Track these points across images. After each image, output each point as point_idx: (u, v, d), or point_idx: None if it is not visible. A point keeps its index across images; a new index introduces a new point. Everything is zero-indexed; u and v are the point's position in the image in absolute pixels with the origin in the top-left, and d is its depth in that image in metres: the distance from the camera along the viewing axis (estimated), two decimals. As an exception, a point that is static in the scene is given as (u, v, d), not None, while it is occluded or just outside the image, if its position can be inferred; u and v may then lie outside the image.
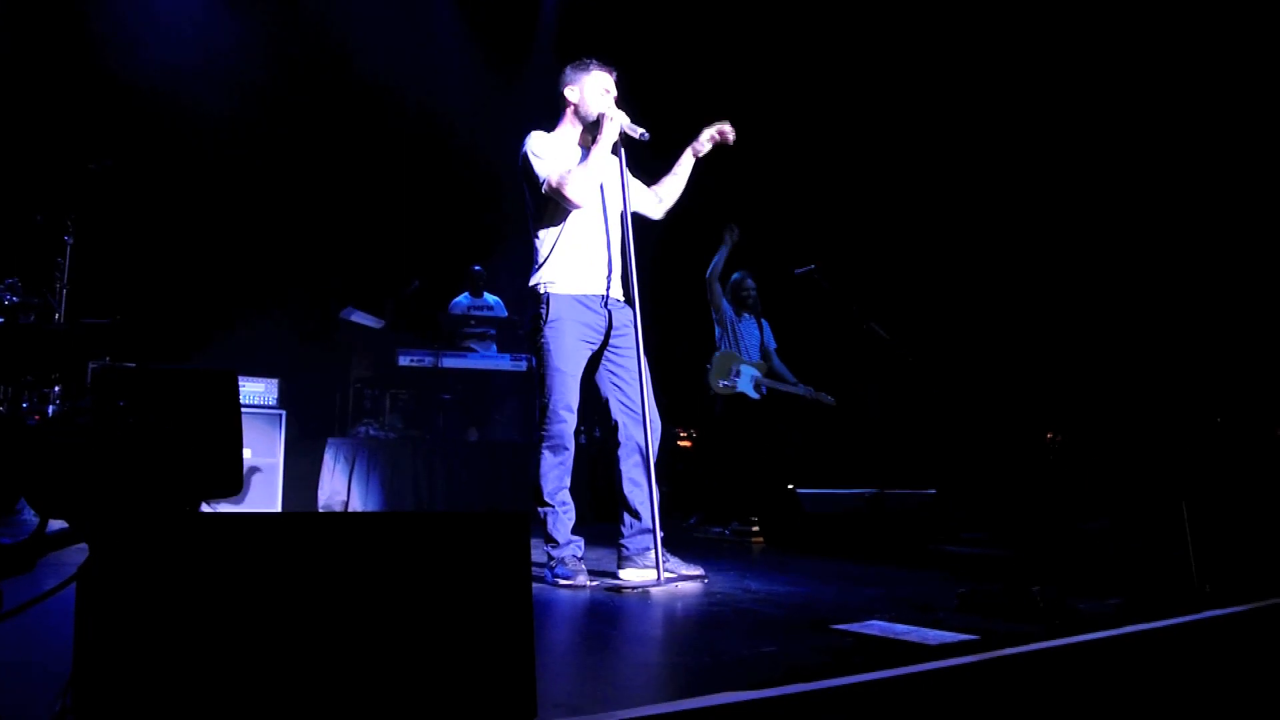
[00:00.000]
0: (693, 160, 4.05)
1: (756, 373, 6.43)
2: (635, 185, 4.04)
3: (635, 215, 4.01)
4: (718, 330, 6.51)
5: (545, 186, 3.69)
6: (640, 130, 3.76)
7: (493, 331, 7.95)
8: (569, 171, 3.66)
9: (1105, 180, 7.51)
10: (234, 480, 1.36)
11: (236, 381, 1.41)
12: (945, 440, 7.63)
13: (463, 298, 8.25)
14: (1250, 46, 6.79)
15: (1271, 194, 6.83)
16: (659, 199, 4.07)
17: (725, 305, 6.48)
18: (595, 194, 3.79)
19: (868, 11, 8.20)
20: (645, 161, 4.15)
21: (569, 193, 3.65)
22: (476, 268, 8.24)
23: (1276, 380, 6.70)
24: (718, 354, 6.41)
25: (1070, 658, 2.40)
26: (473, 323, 7.93)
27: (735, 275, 6.61)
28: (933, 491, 6.17)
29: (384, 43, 8.19)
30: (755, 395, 6.41)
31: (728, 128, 3.99)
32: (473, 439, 7.53)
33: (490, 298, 8.24)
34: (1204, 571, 3.35)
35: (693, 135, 4.02)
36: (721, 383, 6.34)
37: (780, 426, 6.53)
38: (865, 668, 2.07)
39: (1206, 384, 6.95)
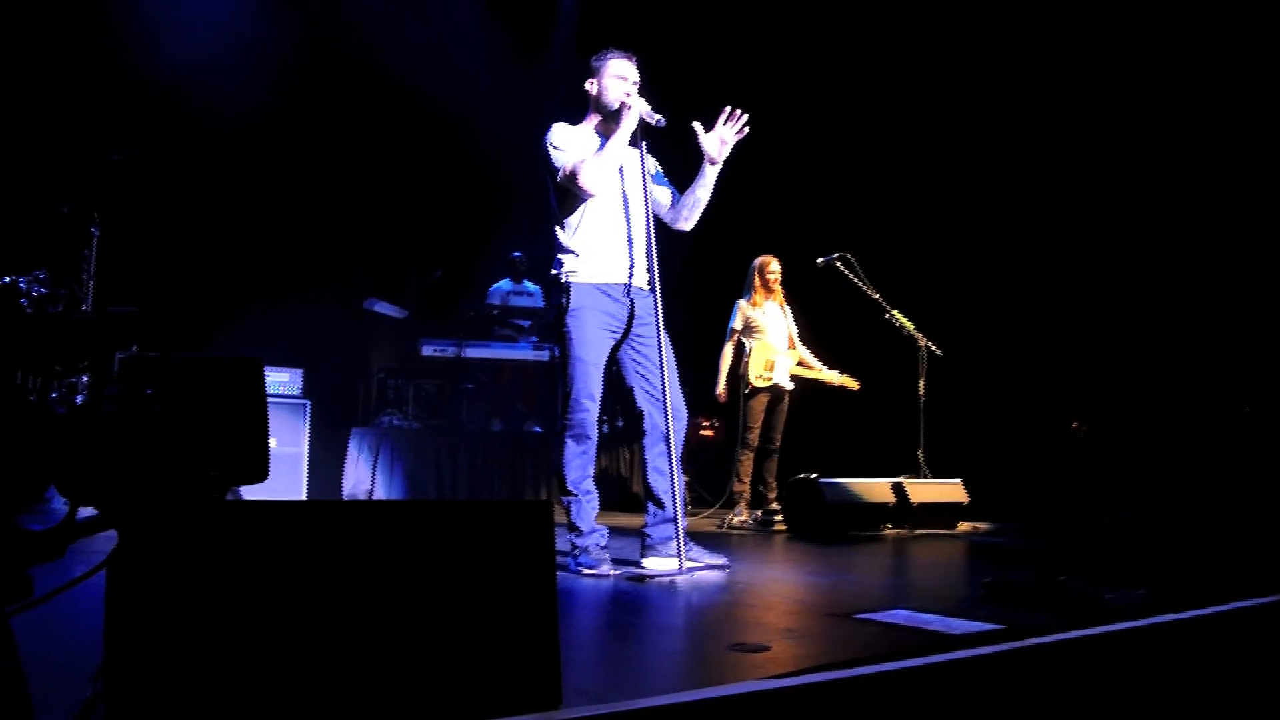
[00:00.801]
0: (714, 171, 3.85)
1: (790, 362, 6.39)
2: (659, 186, 4.00)
3: (657, 220, 3.96)
4: (740, 328, 6.44)
5: (560, 175, 3.70)
6: (658, 117, 3.73)
7: (526, 324, 7.97)
8: (583, 161, 3.66)
9: (1136, 169, 7.43)
10: (260, 467, 1.37)
11: (262, 369, 1.41)
12: (970, 430, 7.59)
13: (504, 283, 8.25)
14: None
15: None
16: (677, 211, 3.94)
17: (737, 323, 6.46)
18: (610, 183, 3.77)
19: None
20: (667, 153, 4.10)
21: (583, 181, 3.65)
22: (516, 254, 8.21)
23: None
24: (753, 344, 6.34)
25: (1097, 648, 2.38)
26: (495, 312, 7.94)
27: (760, 258, 6.48)
28: (958, 481, 6.15)
29: (406, 31, 8.19)
30: (790, 385, 6.39)
31: (728, 130, 3.77)
32: (496, 429, 7.56)
33: (530, 285, 8.23)
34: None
35: (709, 128, 3.80)
36: (759, 375, 6.29)
37: (796, 414, 6.51)
38: (891, 657, 2.06)
39: (1236, 373, 6.88)
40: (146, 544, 1.24)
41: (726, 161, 3.85)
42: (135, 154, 5.76)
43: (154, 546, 1.25)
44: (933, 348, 6.47)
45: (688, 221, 3.95)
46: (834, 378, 6.47)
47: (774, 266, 6.41)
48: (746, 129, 3.80)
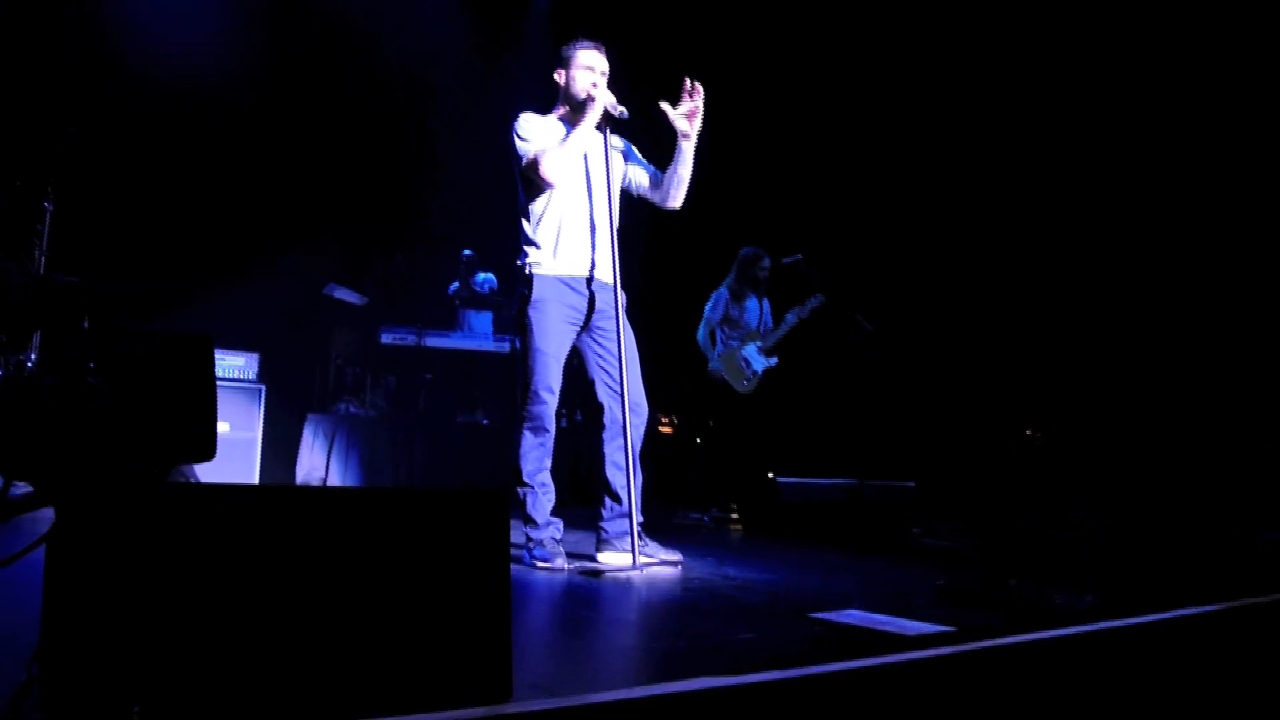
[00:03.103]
0: (690, 146, 3.82)
1: (757, 343, 6.30)
2: (637, 169, 4.00)
3: (642, 199, 3.97)
4: (719, 320, 6.36)
5: (524, 164, 3.69)
6: (621, 109, 3.73)
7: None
8: (545, 150, 3.65)
9: (1084, 176, 7.51)
10: (207, 445, 1.33)
11: (211, 345, 1.38)
12: (926, 433, 7.64)
13: (454, 285, 8.22)
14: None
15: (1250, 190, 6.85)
16: (663, 191, 3.92)
17: (716, 314, 6.37)
18: (574, 174, 3.75)
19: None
20: (637, 141, 4.08)
21: (544, 170, 3.63)
22: (466, 253, 8.18)
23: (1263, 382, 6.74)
24: (718, 353, 6.28)
25: (1045, 651, 2.40)
26: (458, 303, 7.90)
27: (748, 251, 6.38)
28: (912, 483, 6.18)
29: (375, 13, 8.10)
30: (773, 362, 6.32)
31: (689, 105, 3.75)
32: (459, 419, 7.50)
33: (481, 276, 8.19)
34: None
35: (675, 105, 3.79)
36: (743, 382, 6.24)
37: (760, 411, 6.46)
38: (842, 656, 2.06)
39: (1192, 383, 6.98)
40: (85, 524, 1.20)
41: (703, 141, 3.83)
42: (74, 132, 5.64)
43: (93, 527, 1.21)
44: (892, 350, 6.48)
45: (675, 200, 3.94)
46: (800, 314, 6.29)
47: (764, 263, 6.35)
48: (698, 101, 3.76)
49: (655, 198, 3.97)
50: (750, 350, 6.27)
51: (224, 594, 1.29)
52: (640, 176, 3.98)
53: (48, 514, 1.25)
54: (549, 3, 9.19)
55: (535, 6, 9.20)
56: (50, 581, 1.23)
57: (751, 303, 6.39)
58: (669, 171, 3.90)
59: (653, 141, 4.03)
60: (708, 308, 6.36)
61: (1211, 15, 6.77)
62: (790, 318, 6.31)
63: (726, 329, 6.31)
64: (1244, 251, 6.86)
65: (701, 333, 6.32)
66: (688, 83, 3.76)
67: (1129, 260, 7.28)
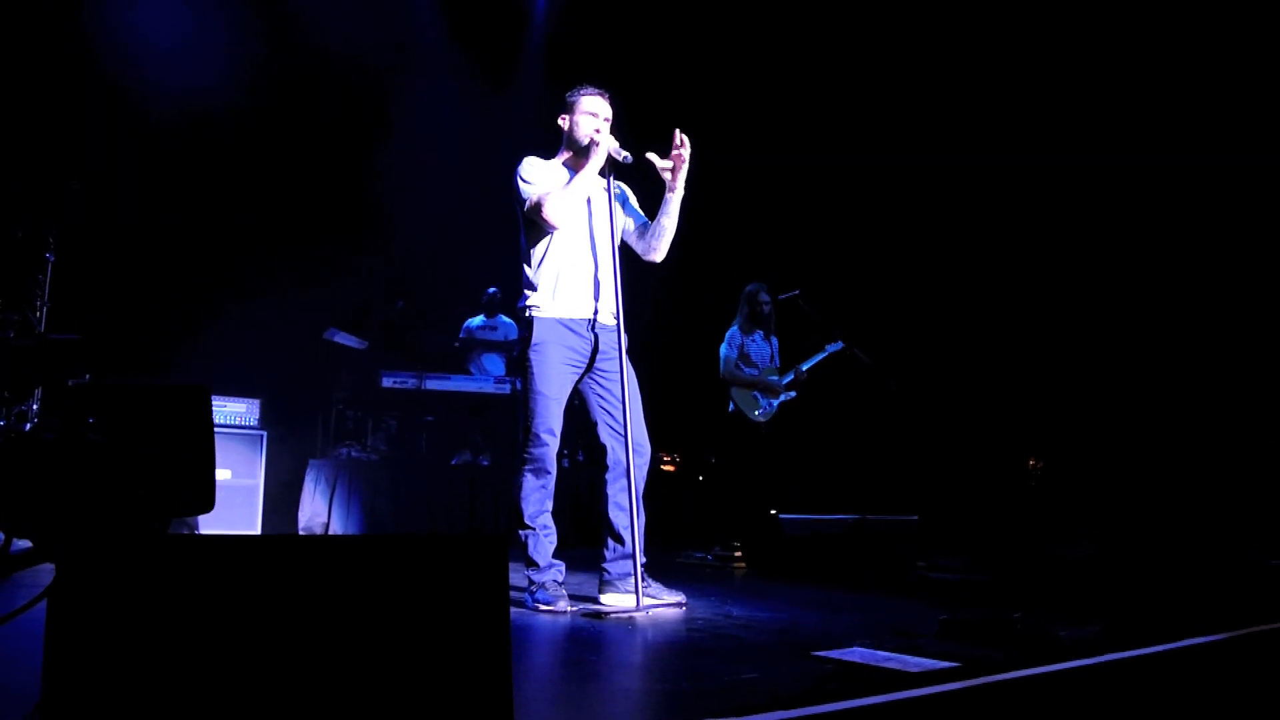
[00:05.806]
0: (675, 199, 3.85)
1: (771, 378, 6.36)
2: (628, 216, 4.02)
3: (627, 249, 4.00)
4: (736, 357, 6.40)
5: (526, 206, 3.72)
6: (625, 154, 3.77)
7: (496, 359, 7.97)
8: (548, 193, 3.68)
9: (1083, 204, 7.56)
10: (206, 497, 1.34)
11: (209, 397, 1.39)
12: (928, 466, 7.63)
13: (477, 319, 8.24)
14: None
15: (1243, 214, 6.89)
16: (646, 241, 3.95)
17: (733, 352, 6.40)
18: (576, 217, 3.79)
19: (853, 34, 8.27)
20: (637, 188, 4.12)
21: (546, 213, 3.67)
22: (491, 289, 8.21)
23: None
24: (736, 391, 6.32)
25: (1050, 685, 2.39)
26: (456, 345, 7.93)
27: (750, 287, 6.45)
28: (915, 517, 6.17)
29: (372, 58, 8.19)
30: (789, 396, 6.38)
31: (678, 155, 3.77)
32: (458, 462, 7.49)
33: (503, 318, 8.22)
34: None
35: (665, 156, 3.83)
36: (757, 413, 6.26)
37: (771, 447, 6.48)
38: (846, 694, 2.05)
39: (1197, 409, 6.98)
40: (86, 578, 1.21)
41: (691, 191, 3.86)
42: (78, 186, 5.69)
43: (94, 581, 1.22)
44: (891, 383, 6.50)
45: (657, 252, 3.97)
46: (818, 361, 6.42)
47: (764, 298, 6.41)
48: (685, 154, 3.77)
49: (639, 247, 3.99)
50: (770, 389, 6.30)
51: (226, 645, 1.29)
52: (629, 224, 4.01)
53: (50, 568, 1.25)
54: (543, 43, 9.30)
55: (529, 41, 9.31)
56: (51, 635, 1.24)
57: (759, 337, 6.42)
58: (654, 222, 3.93)
59: (648, 189, 4.05)
60: (723, 348, 6.38)
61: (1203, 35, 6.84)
62: (804, 366, 6.42)
63: (743, 366, 6.34)
64: (1240, 281, 6.89)
65: (724, 370, 6.34)
66: (676, 136, 3.77)
67: (1127, 291, 7.31)
